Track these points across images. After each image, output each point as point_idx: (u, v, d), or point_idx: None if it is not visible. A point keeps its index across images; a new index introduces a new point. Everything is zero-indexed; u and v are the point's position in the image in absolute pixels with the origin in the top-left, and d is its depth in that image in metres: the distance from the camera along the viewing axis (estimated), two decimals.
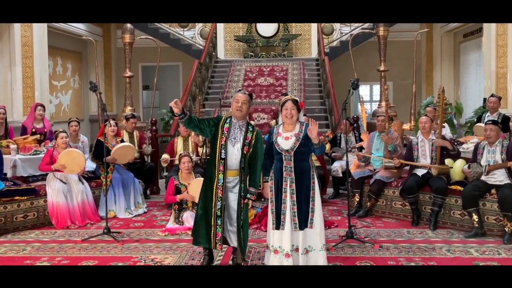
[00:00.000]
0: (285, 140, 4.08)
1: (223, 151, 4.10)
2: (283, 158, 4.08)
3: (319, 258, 4.06)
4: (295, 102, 4.10)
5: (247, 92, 4.27)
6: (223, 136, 4.12)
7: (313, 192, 4.06)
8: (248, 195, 4.17)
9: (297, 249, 4.05)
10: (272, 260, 4.04)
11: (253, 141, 4.17)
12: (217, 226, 4.13)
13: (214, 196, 4.12)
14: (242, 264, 4.25)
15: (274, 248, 4.05)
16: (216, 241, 4.13)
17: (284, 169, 4.07)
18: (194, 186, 5.52)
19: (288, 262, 3.97)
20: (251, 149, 4.16)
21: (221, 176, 4.12)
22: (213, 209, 4.13)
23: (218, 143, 4.13)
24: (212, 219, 4.13)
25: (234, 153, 4.12)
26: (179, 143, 7.18)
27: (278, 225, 4.04)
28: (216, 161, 4.13)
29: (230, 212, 4.18)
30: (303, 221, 4.02)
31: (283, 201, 4.06)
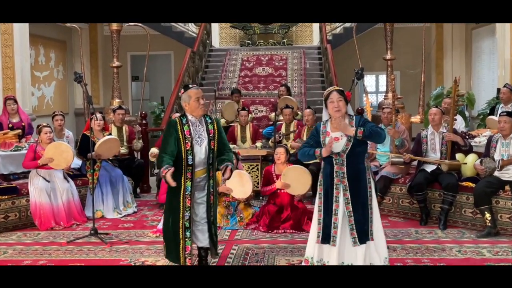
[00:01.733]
0: (335, 141, 3.77)
1: (189, 157, 4.01)
2: (334, 162, 3.80)
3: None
4: (341, 92, 3.81)
5: (196, 85, 4.21)
6: (187, 141, 4.02)
7: (371, 199, 3.78)
8: (228, 164, 4.09)
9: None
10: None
11: (217, 132, 4.14)
12: (186, 239, 4.07)
13: (181, 207, 4.05)
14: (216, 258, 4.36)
15: (319, 263, 3.86)
16: (186, 255, 4.08)
17: (335, 174, 3.79)
18: None
19: None
20: (216, 142, 4.13)
21: (188, 184, 4.05)
22: (180, 221, 4.06)
23: (183, 150, 4.02)
24: (180, 232, 4.06)
25: (201, 153, 4.07)
26: None
27: (328, 239, 3.78)
28: (183, 169, 4.04)
29: (196, 209, 4.14)
30: (363, 234, 3.74)
31: (335, 212, 3.78)
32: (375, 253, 3.82)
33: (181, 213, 4.07)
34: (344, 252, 3.81)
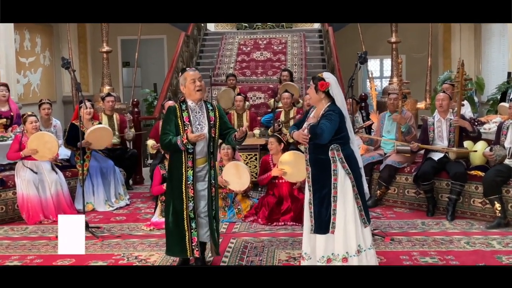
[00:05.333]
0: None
1: (189, 145, 4.04)
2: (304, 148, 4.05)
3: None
4: (313, 79, 4.00)
5: (194, 68, 4.24)
6: (186, 128, 4.06)
7: (335, 191, 3.84)
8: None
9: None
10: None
11: (218, 120, 4.16)
12: (192, 230, 4.10)
13: (184, 197, 4.08)
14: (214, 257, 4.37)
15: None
16: (193, 247, 4.11)
17: (306, 162, 4.00)
18: None
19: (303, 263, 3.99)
20: (217, 130, 4.16)
21: (190, 173, 4.08)
22: (184, 212, 4.09)
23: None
24: (185, 223, 4.10)
25: (202, 141, 4.09)
26: None
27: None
28: (183, 157, 4.07)
29: (197, 201, 4.15)
30: (322, 225, 3.84)
31: (307, 197, 4.00)
32: (339, 246, 3.83)
33: (185, 204, 4.09)
34: (310, 239, 3.96)
